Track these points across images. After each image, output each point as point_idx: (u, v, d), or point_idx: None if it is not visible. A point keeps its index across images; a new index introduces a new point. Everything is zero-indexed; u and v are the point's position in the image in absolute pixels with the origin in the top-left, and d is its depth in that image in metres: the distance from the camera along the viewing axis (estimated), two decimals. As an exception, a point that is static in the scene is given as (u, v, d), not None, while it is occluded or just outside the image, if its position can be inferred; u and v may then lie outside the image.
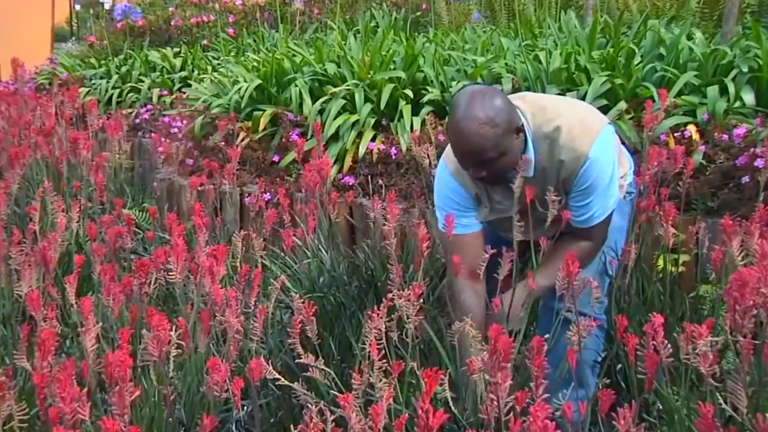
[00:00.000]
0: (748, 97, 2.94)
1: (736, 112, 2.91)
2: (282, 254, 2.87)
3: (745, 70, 3.01)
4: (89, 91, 5.88)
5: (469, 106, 1.92)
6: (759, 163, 2.47)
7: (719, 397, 1.28)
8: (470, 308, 2.05)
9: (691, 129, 2.90)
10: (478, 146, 1.93)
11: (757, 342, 1.29)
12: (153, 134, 4.71)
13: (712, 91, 2.97)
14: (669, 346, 1.66)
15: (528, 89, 3.41)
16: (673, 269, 2.49)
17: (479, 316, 2.03)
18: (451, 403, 1.59)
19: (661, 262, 2.48)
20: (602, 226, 2.10)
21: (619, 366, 2.29)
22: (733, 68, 3.07)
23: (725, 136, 2.79)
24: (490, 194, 2.11)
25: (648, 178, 2.35)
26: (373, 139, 3.53)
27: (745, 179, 2.64)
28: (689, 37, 3.62)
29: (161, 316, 1.62)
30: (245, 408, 2.09)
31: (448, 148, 2.10)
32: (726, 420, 1.44)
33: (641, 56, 3.48)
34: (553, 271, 1.95)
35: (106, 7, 8.08)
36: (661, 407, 2.16)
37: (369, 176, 3.44)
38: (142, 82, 5.66)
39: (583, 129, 2.00)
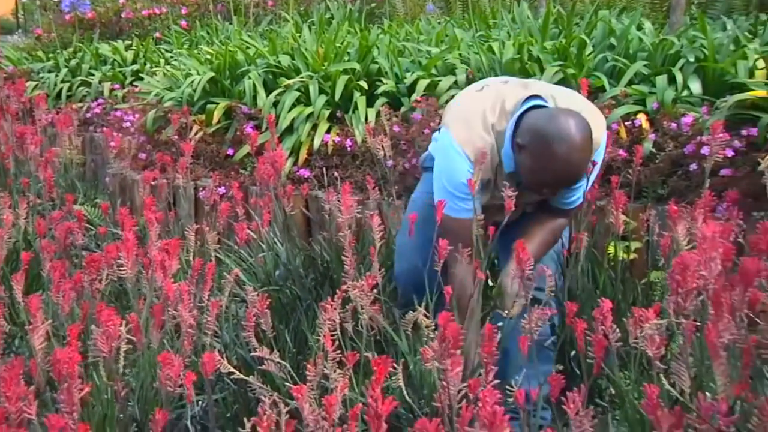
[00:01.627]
0: (695, 86, 3.01)
1: (683, 101, 2.98)
2: (237, 248, 2.85)
3: (692, 59, 3.08)
4: (37, 85, 5.75)
5: (577, 140, 1.89)
6: (705, 150, 2.52)
7: (663, 379, 1.32)
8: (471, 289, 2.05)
9: (641, 118, 2.95)
10: (583, 173, 1.99)
11: (699, 324, 1.33)
12: (105, 129, 4.64)
13: (661, 80, 3.03)
14: (618, 331, 1.70)
15: (481, 79, 3.44)
16: (624, 256, 2.54)
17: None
18: (405, 393, 1.60)
19: (612, 249, 2.52)
20: (580, 206, 2.24)
21: (573, 352, 2.33)
22: (681, 58, 3.14)
23: (674, 125, 2.85)
24: (498, 181, 2.12)
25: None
26: (328, 132, 3.53)
27: (693, 167, 2.70)
28: (639, 28, 3.69)
29: (110, 312, 1.60)
30: (200, 403, 2.08)
31: (462, 131, 2.07)
32: (674, 401, 1.48)
33: (593, 46, 3.53)
34: (536, 246, 2.08)
35: (55, -1, 7.90)
36: (613, 392, 2.21)
37: (324, 169, 3.43)
38: (93, 75, 5.56)
39: (594, 119, 2.03)
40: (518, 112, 2.01)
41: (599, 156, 2.13)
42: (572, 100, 2.11)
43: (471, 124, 2.07)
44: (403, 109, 3.48)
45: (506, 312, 1.97)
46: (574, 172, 1.95)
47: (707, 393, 1.20)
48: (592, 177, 2.17)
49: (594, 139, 1.99)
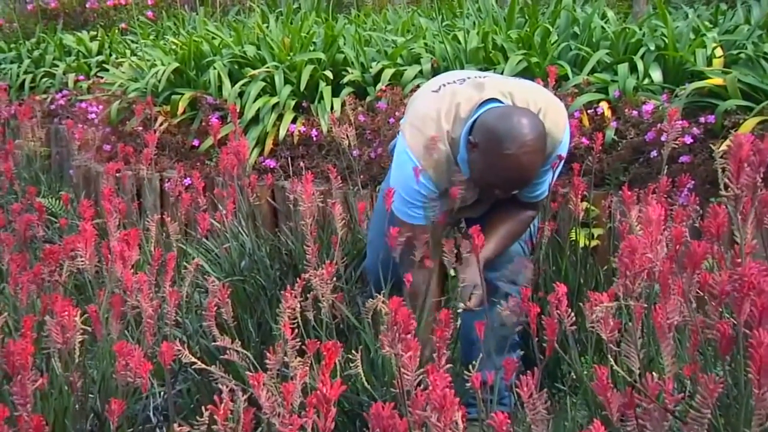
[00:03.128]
0: (656, 75, 3.05)
1: (645, 89, 3.01)
2: (203, 239, 2.84)
3: (653, 48, 3.12)
4: (-1, 76, 5.68)
5: (527, 139, 1.86)
6: (664, 137, 2.56)
7: (611, 360, 1.34)
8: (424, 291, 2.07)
9: (604, 106, 2.98)
10: (533, 176, 1.97)
11: (646, 306, 1.35)
12: (69, 120, 4.58)
13: (623, 68, 3.06)
14: (579, 315, 1.72)
15: (447, 69, 3.45)
16: (587, 242, 2.57)
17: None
18: (366, 380, 1.61)
19: (574, 236, 2.55)
20: (546, 197, 2.22)
21: (537, 339, 2.35)
22: (642, 47, 3.18)
23: (635, 113, 2.88)
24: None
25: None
26: (294, 122, 3.52)
27: (654, 154, 2.73)
28: (602, 17, 3.72)
29: (66, 302, 1.59)
30: (161, 394, 2.08)
31: (417, 137, 2.04)
32: (630, 383, 1.51)
33: (557, 35, 3.56)
34: (503, 237, 2.08)
35: (17, -12, 7.77)
36: (574, 377, 2.24)
37: (290, 159, 3.43)
38: (57, 66, 5.49)
39: (556, 113, 2.02)
40: (472, 118, 1.98)
41: (563, 150, 2.10)
42: (533, 95, 2.05)
43: (426, 135, 2.02)
44: (368, 99, 3.48)
45: (463, 304, 1.98)
46: (523, 174, 1.91)
47: (654, 373, 1.23)
48: (558, 170, 2.15)
49: (555, 134, 1.98)
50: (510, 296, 1.92)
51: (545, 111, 2.00)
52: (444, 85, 2.11)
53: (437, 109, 2.03)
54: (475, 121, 1.96)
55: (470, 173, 2.00)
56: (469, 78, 2.12)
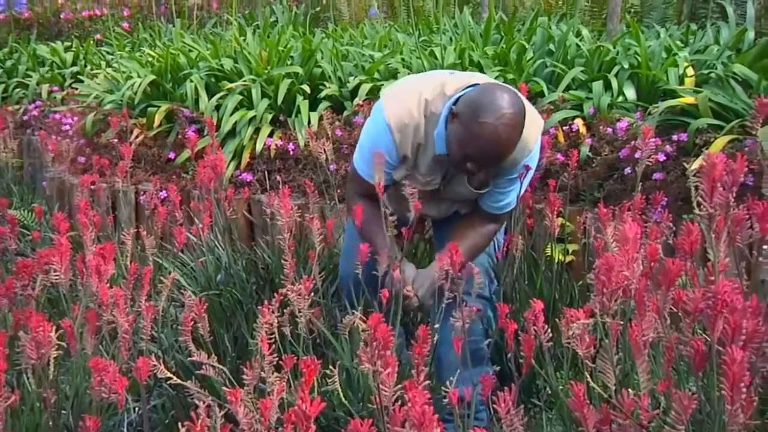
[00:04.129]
0: (630, 92, 3.09)
1: (619, 107, 3.06)
2: (179, 252, 2.82)
3: (627, 66, 3.17)
4: (-31, 86, 5.60)
5: (506, 112, 1.89)
6: (638, 154, 2.60)
7: (587, 377, 1.35)
8: (372, 215, 2.12)
9: (578, 122, 3.02)
10: (508, 152, 1.95)
11: (623, 323, 1.37)
12: (42, 132, 4.54)
13: (597, 86, 3.11)
14: (554, 332, 1.74)
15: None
16: (562, 258, 2.60)
17: (371, 214, 2.13)
18: (343, 396, 1.61)
19: (549, 251, 2.57)
20: (511, 211, 2.24)
21: (510, 354, 2.37)
22: (616, 65, 3.22)
23: (609, 130, 2.92)
24: (418, 163, 2.13)
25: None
26: (271, 135, 3.52)
27: (628, 170, 2.77)
28: (577, 35, 3.77)
29: (40, 317, 1.57)
30: (136, 410, 2.06)
31: (393, 101, 2.09)
32: (606, 399, 1.52)
33: (532, 52, 3.60)
34: (465, 249, 2.07)
35: (-10, -3, 7.70)
36: (549, 392, 2.25)
37: (267, 172, 3.43)
38: (30, 77, 5.44)
39: (532, 122, 2.04)
40: (458, 95, 2.02)
41: (532, 161, 2.13)
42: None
43: (404, 99, 2.08)
44: (345, 113, 3.49)
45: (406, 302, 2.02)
46: (498, 146, 1.92)
47: (631, 390, 1.24)
48: (525, 182, 2.18)
49: (526, 141, 2.00)
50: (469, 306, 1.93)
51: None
52: (434, 73, 2.25)
53: (422, 83, 2.10)
54: (460, 97, 2.02)
55: (447, 147, 2.02)
56: (459, 73, 2.23)
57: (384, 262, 2.04)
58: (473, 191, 2.12)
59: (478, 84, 2.03)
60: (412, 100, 2.07)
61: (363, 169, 2.15)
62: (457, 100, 2.01)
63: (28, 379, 1.72)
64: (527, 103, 2.12)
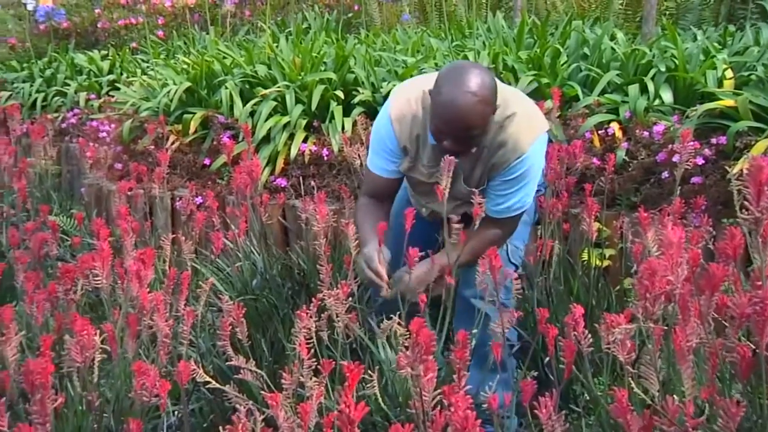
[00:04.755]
0: (667, 96, 3.06)
1: (655, 110, 3.02)
2: (214, 257, 2.85)
3: (663, 69, 3.13)
4: (11, 95, 5.73)
5: (467, 81, 1.92)
6: (676, 158, 2.56)
7: (632, 383, 1.34)
8: (370, 210, 2.23)
9: (614, 126, 2.99)
10: (470, 122, 1.95)
11: (667, 328, 1.35)
12: (80, 139, 4.62)
13: (633, 89, 3.08)
14: (592, 337, 1.72)
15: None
16: (599, 263, 2.57)
17: (376, 218, 2.18)
18: (380, 399, 1.61)
19: (586, 256, 2.55)
20: (515, 219, 2.20)
21: (547, 359, 2.35)
22: (652, 68, 3.19)
23: (646, 133, 2.89)
24: (419, 153, 2.17)
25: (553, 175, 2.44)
26: (305, 141, 3.54)
27: (665, 174, 2.74)
28: (612, 38, 3.74)
29: (84, 321, 1.59)
30: (175, 413, 2.08)
31: (398, 94, 2.17)
32: (647, 405, 1.50)
33: (567, 56, 3.58)
34: (463, 252, 2.08)
35: (29, 8, 7.85)
36: (588, 397, 2.23)
37: (301, 178, 3.44)
38: (68, 85, 5.54)
39: (529, 125, 2.06)
40: None
41: (527, 164, 2.08)
42: (515, 99, 2.11)
43: (407, 92, 2.15)
44: (379, 119, 3.49)
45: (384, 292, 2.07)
46: (459, 112, 1.93)
47: (675, 396, 1.22)
48: (531, 190, 2.16)
49: (518, 143, 2.03)
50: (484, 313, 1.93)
51: (517, 117, 2.05)
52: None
53: (428, 78, 2.13)
54: None
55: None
56: None
57: (370, 253, 2.11)
58: (468, 189, 2.10)
59: None
60: (413, 93, 2.14)
61: (371, 161, 2.25)
62: None
63: (71, 382, 1.75)
64: (529, 106, 2.15)
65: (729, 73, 3.06)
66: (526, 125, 2.04)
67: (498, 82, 2.14)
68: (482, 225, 2.13)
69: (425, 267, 2.10)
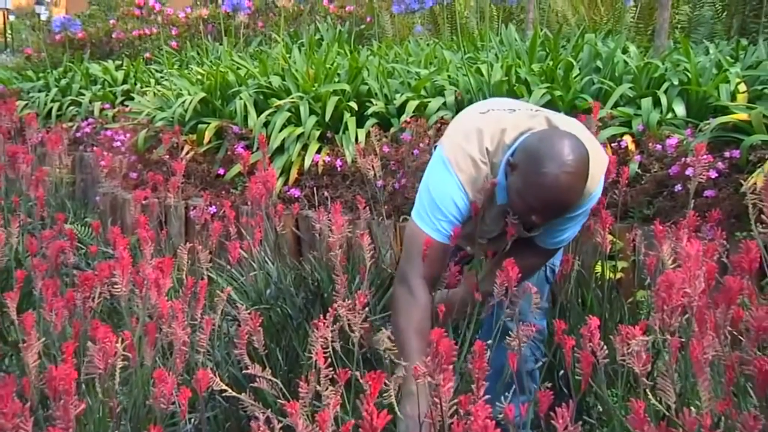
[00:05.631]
0: (680, 109, 3.07)
1: (668, 123, 3.04)
2: (228, 267, 2.87)
3: (676, 83, 3.15)
4: (27, 104, 5.78)
5: (567, 159, 1.78)
6: (689, 171, 2.58)
7: (649, 394, 1.35)
8: (412, 319, 1.91)
9: (627, 139, 3.01)
10: (571, 203, 1.86)
11: (684, 341, 1.36)
12: (95, 148, 4.66)
13: (646, 102, 3.09)
14: (606, 348, 1.73)
15: (470, 101, 3.49)
16: (611, 275, 2.58)
17: (418, 328, 1.90)
18: (396, 408, 1.62)
19: (599, 269, 2.56)
20: (564, 246, 2.14)
21: (561, 372, 2.36)
22: (665, 81, 3.20)
23: (659, 146, 2.90)
24: (484, 215, 2.02)
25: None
26: (319, 152, 3.57)
27: (678, 187, 2.75)
28: (624, 51, 3.76)
29: (106, 329, 1.62)
30: (192, 420, 2.09)
31: (457, 152, 1.96)
32: (660, 418, 1.51)
33: (579, 69, 3.60)
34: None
35: (43, 18, 7.94)
36: (601, 409, 2.24)
37: (314, 188, 3.47)
38: (83, 95, 5.59)
39: (595, 163, 1.90)
40: (516, 144, 1.91)
41: (594, 200, 2.02)
42: (582, 138, 1.92)
43: (467, 151, 1.96)
44: (392, 130, 3.52)
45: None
46: (563, 196, 1.81)
47: (692, 408, 1.23)
48: (582, 221, 2.10)
49: (589, 186, 1.89)
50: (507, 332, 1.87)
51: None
52: (492, 110, 2.04)
53: (481, 128, 1.97)
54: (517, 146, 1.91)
55: (508, 198, 1.92)
56: (519, 109, 2.05)
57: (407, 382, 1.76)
58: (525, 233, 2.02)
59: (535, 130, 1.93)
60: (476, 151, 1.95)
61: (432, 228, 1.97)
62: (515, 148, 1.91)
63: (89, 388, 1.77)
64: (592, 141, 1.99)
65: (742, 87, 3.07)
66: (594, 165, 1.88)
67: (565, 119, 2.02)
68: (528, 253, 2.04)
69: (463, 293, 2.02)
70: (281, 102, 3.77)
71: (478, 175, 1.95)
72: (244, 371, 1.90)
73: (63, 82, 5.94)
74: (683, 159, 2.76)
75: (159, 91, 4.70)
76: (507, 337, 1.80)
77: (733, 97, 3.03)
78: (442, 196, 1.97)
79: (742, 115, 2.80)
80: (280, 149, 3.61)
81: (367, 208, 2.82)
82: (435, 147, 2.15)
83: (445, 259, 2.02)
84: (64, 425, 1.34)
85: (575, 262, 2.36)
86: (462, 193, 1.95)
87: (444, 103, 3.54)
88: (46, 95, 5.76)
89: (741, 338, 1.36)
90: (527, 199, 1.84)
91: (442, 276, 2.03)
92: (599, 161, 1.95)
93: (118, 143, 4.48)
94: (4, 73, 6.65)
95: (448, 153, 1.98)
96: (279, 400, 1.83)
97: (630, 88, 3.27)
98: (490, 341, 1.90)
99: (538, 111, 2.05)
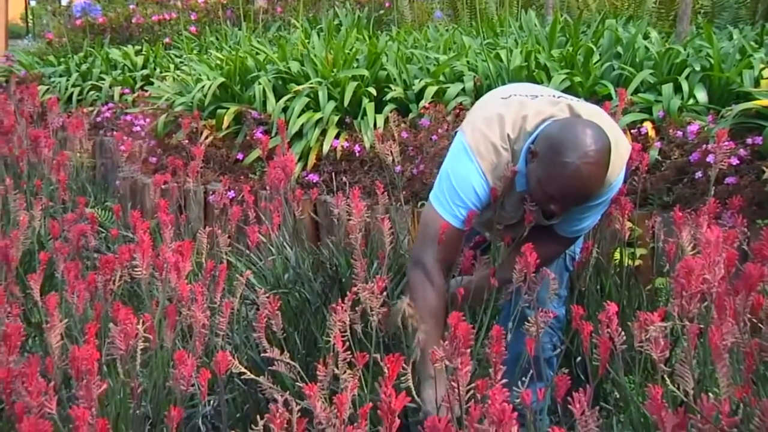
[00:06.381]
0: (701, 95, 3.04)
1: (689, 110, 3.01)
2: (247, 251, 2.89)
3: (698, 69, 3.12)
4: (48, 89, 5.83)
5: (590, 149, 1.76)
6: (710, 158, 2.55)
7: (667, 381, 1.35)
8: (428, 303, 1.93)
9: (647, 126, 2.99)
10: (593, 192, 1.85)
11: (702, 326, 1.36)
12: (115, 132, 4.69)
13: (667, 89, 3.06)
14: (624, 335, 1.73)
15: (489, 87, 3.48)
16: (630, 262, 2.57)
17: (435, 311, 1.92)
18: (413, 392, 1.63)
19: (618, 256, 2.55)
20: (584, 234, 2.14)
21: (579, 358, 2.36)
22: (687, 67, 3.17)
23: (679, 133, 2.88)
24: (504, 201, 2.02)
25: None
26: (337, 137, 3.57)
27: (699, 174, 2.73)
28: (645, 36, 3.72)
29: (127, 311, 1.64)
30: (211, 402, 2.12)
31: (479, 139, 1.95)
32: (678, 404, 1.51)
33: (599, 55, 3.57)
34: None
35: (64, 3, 7.98)
36: (618, 395, 2.24)
37: (333, 173, 3.48)
38: (103, 80, 5.63)
39: (618, 152, 1.89)
40: (537, 131, 1.90)
41: (616, 189, 2.01)
42: (605, 127, 1.90)
43: (489, 138, 1.94)
44: (411, 116, 3.52)
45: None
46: (583, 186, 1.80)
47: (710, 395, 1.23)
48: (602, 210, 2.09)
49: (610, 174, 1.87)
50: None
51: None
52: (515, 95, 2.02)
53: (503, 114, 1.96)
54: (538, 133, 1.90)
55: (528, 185, 1.92)
56: (541, 95, 2.02)
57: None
58: (544, 221, 2.02)
59: (557, 118, 1.91)
60: (497, 138, 1.94)
61: (450, 214, 1.97)
62: (536, 136, 1.90)
63: (110, 369, 1.79)
64: (615, 130, 1.97)
65: (766, 73, 3.04)
66: (615, 154, 1.86)
67: (588, 107, 2.00)
68: (547, 241, 2.03)
69: (481, 281, 2.02)
70: (300, 87, 3.78)
71: (498, 161, 1.94)
72: (262, 354, 1.92)
73: (84, 67, 5.97)
74: (704, 146, 2.73)
75: (178, 76, 4.71)
76: (525, 324, 1.80)
77: (756, 83, 3.00)
78: (463, 183, 1.96)
79: (766, 102, 2.77)
80: (299, 134, 3.62)
81: (386, 193, 2.82)
82: (455, 132, 2.14)
83: (461, 244, 2.03)
84: (86, 404, 1.36)
85: (594, 250, 2.35)
86: (482, 179, 1.95)
87: (463, 89, 3.53)
88: (67, 80, 5.80)
89: (761, 325, 1.35)
90: (547, 188, 1.84)
91: (457, 261, 2.03)
92: (621, 150, 1.94)
93: (138, 128, 4.51)
94: (26, 58, 6.69)
95: (470, 139, 1.97)
96: (297, 383, 1.85)
97: (651, 74, 3.24)
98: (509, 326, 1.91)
99: (560, 97, 2.03)
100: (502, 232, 2.12)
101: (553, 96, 2.05)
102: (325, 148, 3.53)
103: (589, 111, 1.98)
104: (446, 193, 1.98)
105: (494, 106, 2.01)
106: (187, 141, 3.89)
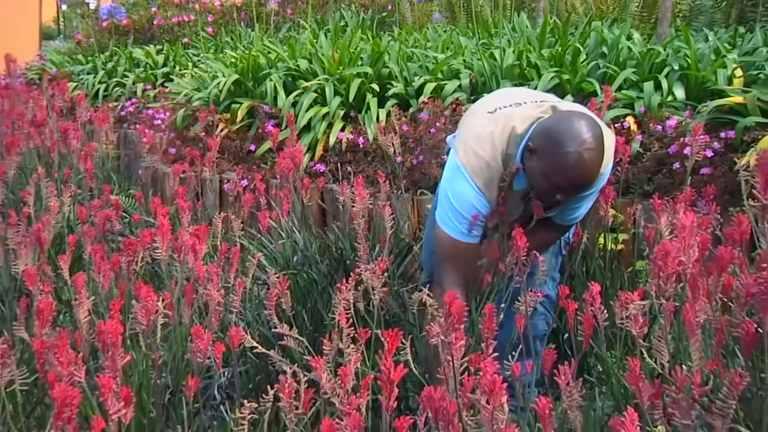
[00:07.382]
0: (679, 92, 3.03)
1: (668, 106, 3.00)
2: (258, 235, 2.89)
3: (677, 68, 3.10)
4: (77, 85, 5.81)
5: (587, 137, 1.77)
6: (687, 150, 2.55)
7: (645, 355, 1.35)
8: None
9: (630, 120, 2.98)
10: (594, 178, 1.85)
11: (678, 305, 1.36)
12: (138, 125, 4.68)
13: (648, 86, 3.05)
14: (606, 313, 1.74)
15: (484, 84, 3.47)
16: (613, 246, 2.57)
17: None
18: (412, 364, 1.64)
19: (602, 241, 2.55)
20: (578, 221, 2.15)
21: (566, 335, 2.37)
22: (666, 66, 3.16)
23: (659, 127, 2.87)
24: (505, 203, 2.02)
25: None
26: (342, 130, 3.56)
27: (676, 165, 2.72)
28: (628, 38, 3.70)
29: (148, 289, 1.64)
30: (225, 374, 2.13)
31: (470, 158, 1.95)
32: (655, 376, 1.52)
33: (586, 54, 3.55)
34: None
35: (92, 6, 7.94)
36: (600, 369, 2.25)
37: (338, 164, 3.47)
38: (127, 77, 5.61)
39: (606, 146, 1.88)
40: (530, 132, 1.90)
41: (607, 174, 2.02)
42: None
43: (480, 156, 1.95)
44: (411, 110, 3.51)
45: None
46: (586, 173, 1.81)
47: (684, 367, 1.24)
48: (594, 198, 2.09)
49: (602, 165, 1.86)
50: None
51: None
52: (500, 108, 2.01)
53: (491, 131, 1.96)
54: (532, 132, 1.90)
55: (530, 181, 1.91)
56: (524, 102, 2.02)
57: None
58: (543, 213, 2.01)
59: (547, 116, 1.91)
60: (488, 153, 1.95)
61: (463, 234, 1.99)
62: (528, 137, 1.90)
63: (137, 342, 1.80)
64: (601, 124, 1.95)
65: (738, 72, 3.03)
66: (605, 144, 1.86)
67: (570, 105, 2.00)
68: (546, 228, 2.04)
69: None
70: (308, 83, 3.77)
71: (491, 175, 1.94)
72: (273, 330, 1.93)
73: (109, 65, 5.96)
74: (682, 139, 2.73)
75: (196, 73, 4.70)
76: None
77: (729, 82, 2.99)
78: (463, 203, 1.97)
79: (738, 99, 2.76)
80: (307, 127, 3.61)
81: (387, 182, 2.82)
82: (449, 149, 2.14)
83: (478, 254, 2.03)
84: (112, 374, 1.37)
85: (584, 236, 2.35)
86: (480, 196, 1.96)
87: (459, 86, 3.52)
88: (94, 77, 5.78)
89: (730, 304, 1.35)
90: (553, 179, 1.82)
91: (478, 274, 2.01)
92: (610, 141, 1.94)
93: (159, 121, 4.50)
94: (57, 57, 6.68)
95: (463, 159, 1.97)
96: (305, 357, 1.86)
97: (633, 72, 3.22)
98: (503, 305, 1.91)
99: (543, 101, 2.03)
100: (507, 229, 2.12)
101: (536, 101, 2.03)
102: (332, 140, 3.52)
103: (571, 108, 1.98)
104: (449, 212, 2.00)
105: (483, 123, 2.00)
106: (203, 133, 3.88)
